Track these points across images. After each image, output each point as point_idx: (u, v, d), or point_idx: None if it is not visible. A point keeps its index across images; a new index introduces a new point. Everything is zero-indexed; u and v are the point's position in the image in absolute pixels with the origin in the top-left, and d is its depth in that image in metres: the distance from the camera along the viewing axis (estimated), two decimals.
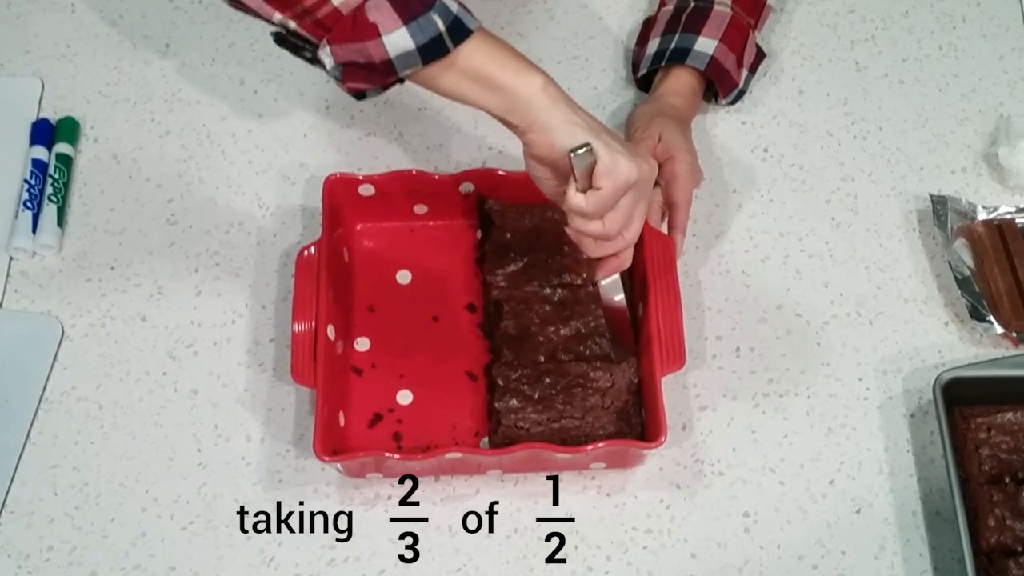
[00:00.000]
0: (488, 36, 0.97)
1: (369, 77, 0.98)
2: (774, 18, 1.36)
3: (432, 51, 0.95)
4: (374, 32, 0.93)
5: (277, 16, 0.96)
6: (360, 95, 1.01)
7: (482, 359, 1.14)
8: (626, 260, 1.05)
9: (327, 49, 0.96)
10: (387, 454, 1.04)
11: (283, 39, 0.99)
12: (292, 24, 0.96)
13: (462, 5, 0.96)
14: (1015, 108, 1.31)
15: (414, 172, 1.16)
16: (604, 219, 0.98)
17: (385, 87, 1.00)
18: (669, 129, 1.17)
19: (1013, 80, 1.33)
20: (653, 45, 1.26)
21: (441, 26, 0.94)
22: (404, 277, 1.19)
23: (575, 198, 0.97)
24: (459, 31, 0.95)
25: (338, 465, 1.07)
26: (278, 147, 1.27)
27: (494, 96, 0.97)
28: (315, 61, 0.98)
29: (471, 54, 0.96)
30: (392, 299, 1.17)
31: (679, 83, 1.24)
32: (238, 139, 1.28)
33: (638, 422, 1.10)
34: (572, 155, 0.94)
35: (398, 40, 0.93)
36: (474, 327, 1.16)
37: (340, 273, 1.16)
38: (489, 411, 1.10)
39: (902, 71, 1.34)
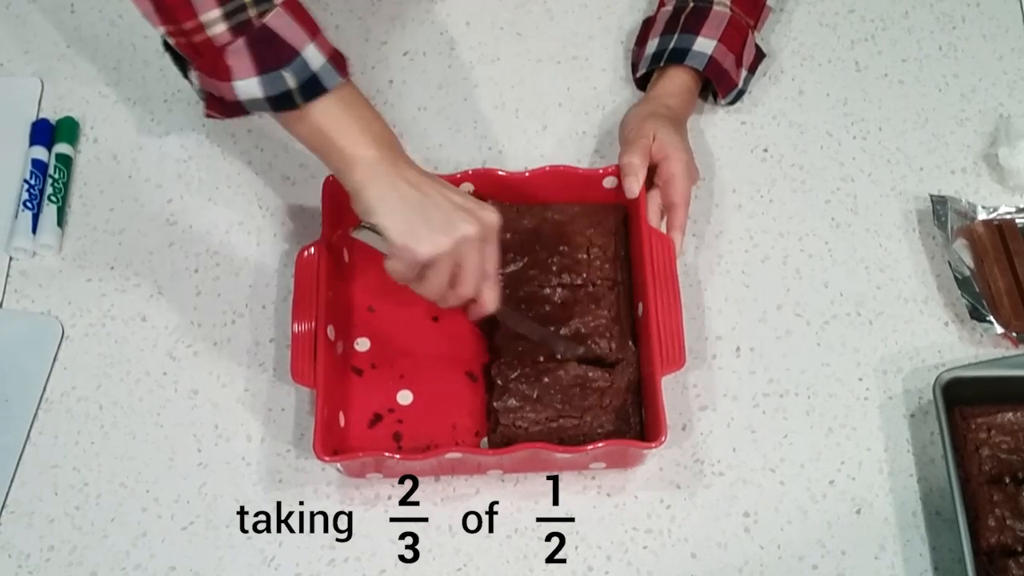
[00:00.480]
0: (346, 96, 1.01)
1: (224, 110, 1.02)
2: (774, 18, 1.36)
3: (280, 103, 0.99)
4: (227, 75, 0.98)
5: (160, 28, 0.98)
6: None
7: (482, 359, 1.14)
8: (486, 304, 1.05)
9: (194, 73, 1.00)
10: (387, 454, 1.04)
11: (168, 46, 1.01)
12: (171, 40, 0.99)
13: (333, 60, 0.99)
14: (1015, 108, 1.31)
15: None
16: (420, 284, 1.02)
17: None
18: (663, 129, 1.17)
19: (1013, 80, 1.33)
20: (652, 45, 1.26)
21: (291, 83, 0.98)
22: None
23: (387, 262, 1.02)
24: (312, 89, 0.99)
25: (338, 465, 1.07)
26: (278, 147, 1.27)
27: (330, 157, 1.02)
28: (187, 78, 1.01)
29: (321, 112, 1.00)
30: (392, 299, 1.17)
31: (674, 83, 1.24)
32: (238, 139, 1.28)
33: (636, 421, 1.10)
34: (353, 232, 1.02)
35: (248, 87, 0.98)
36: (474, 327, 1.16)
37: (340, 273, 1.16)
38: (488, 411, 1.10)
39: (902, 71, 1.34)
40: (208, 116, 1.04)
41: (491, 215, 1.02)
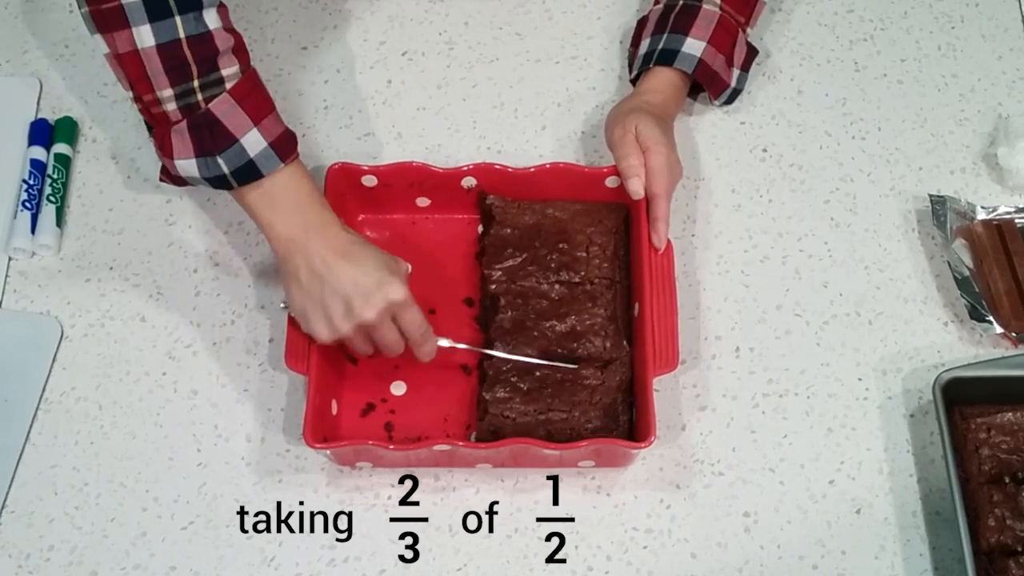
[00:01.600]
0: (281, 179, 1.07)
1: (173, 179, 1.11)
2: (773, 18, 1.36)
3: (217, 183, 1.06)
4: (170, 152, 1.05)
5: (128, 93, 1.05)
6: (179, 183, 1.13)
7: (476, 353, 1.14)
8: (425, 353, 1.09)
9: (152, 139, 1.09)
10: (371, 443, 1.04)
11: None
12: (136, 105, 1.06)
13: (277, 144, 1.06)
14: (1014, 108, 1.31)
15: (417, 164, 1.17)
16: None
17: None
18: (643, 123, 1.17)
19: (1012, 80, 1.33)
20: (644, 45, 1.26)
21: (225, 169, 1.05)
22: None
23: None
24: (247, 174, 1.06)
25: (327, 452, 1.07)
26: None
27: (260, 228, 1.08)
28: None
29: (253, 194, 1.07)
30: None
31: (659, 80, 1.24)
32: None
33: (626, 420, 1.09)
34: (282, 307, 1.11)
35: (187, 166, 1.05)
36: (471, 320, 1.16)
37: None
38: (479, 402, 1.10)
39: (901, 71, 1.34)
40: (161, 181, 1.14)
41: (393, 292, 1.04)
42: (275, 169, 1.06)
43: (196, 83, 1.02)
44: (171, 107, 1.03)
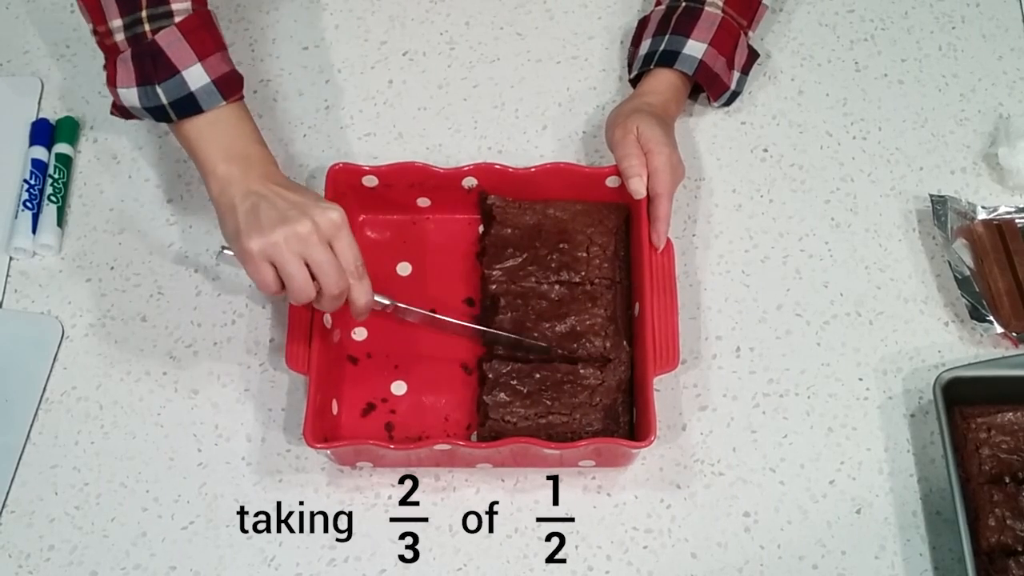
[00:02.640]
0: (222, 115, 1.08)
1: (121, 111, 1.11)
2: (773, 18, 1.36)
3: (157, 115, 1.08)
4: (113, 80, 1.08)
5: (88, 26, 1.08)
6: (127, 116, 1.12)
7: (477, 352, 1.14)
8: (355, 302, 1.04)
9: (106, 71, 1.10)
10: (371, 443, 1.04)
11: None
12: (95, 38, 1.08)
13: (220, 82, 1.06)
14: (1014, 108, 1.31)
15: (417, 164, 1.17)
16: (287, 292, 1.03)
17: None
18: (644, 124, 1.17)
19: (1012, 80, 1.33)
20: (644, 46, 1.26)
21: (164, 99, 1.06)
22: (404, 269, 1.19)
23: (248, 275, 1.05)
24: (187, 107, 1.07)
25: (328, 452, 1.07)
26: (278, 147, 1.27)
27: (198, 168, 1.08)
28: None
29: (194, 127, 1.07)
30: (391, 290, 1.16)
31: (660, 81, 1.24)
32: None
33: (626, 421, 1.09)
34: (216, 259, 1.10)
35: (128, 95, 1.07)
36: (471, 320, 1.16)
37: None
38: (479, 404, 1.10)
39: (901, 71, 1.34)
40: (112, 114, 1.12)
41: (330, 213, 1.01)
42: (216, 106, 1.07)
43: (144, 13, 1.05)
44: (120, 37, 1.05)
